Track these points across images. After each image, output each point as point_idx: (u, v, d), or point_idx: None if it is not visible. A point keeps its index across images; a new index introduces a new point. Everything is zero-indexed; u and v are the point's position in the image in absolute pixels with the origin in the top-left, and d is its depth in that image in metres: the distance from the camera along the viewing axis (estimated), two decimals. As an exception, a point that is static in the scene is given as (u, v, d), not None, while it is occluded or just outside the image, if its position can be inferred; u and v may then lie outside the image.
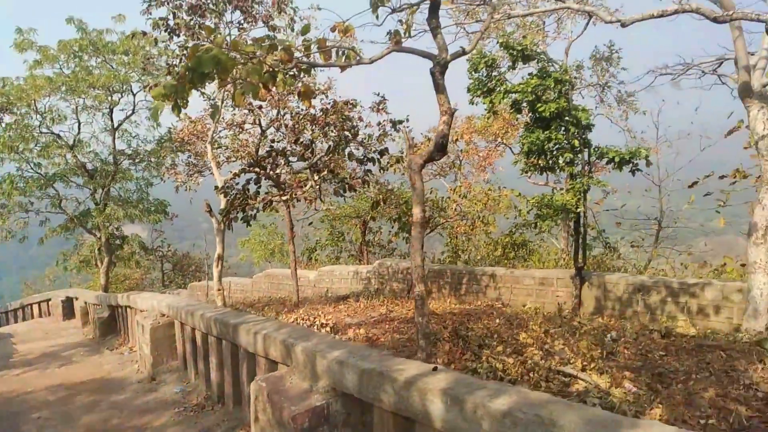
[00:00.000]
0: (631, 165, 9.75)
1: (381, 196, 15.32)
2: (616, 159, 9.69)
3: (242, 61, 3.70)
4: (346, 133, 7.95)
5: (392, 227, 17.02)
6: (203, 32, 6.58)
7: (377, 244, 21.56)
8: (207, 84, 5.29)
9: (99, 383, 7.79)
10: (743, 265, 8.78)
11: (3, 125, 19.93)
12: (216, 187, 8.11)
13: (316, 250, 22.59)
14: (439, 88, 4.99)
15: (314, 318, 9.35)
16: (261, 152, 10.16)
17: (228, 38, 7.74)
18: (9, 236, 21.05)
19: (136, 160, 23.23)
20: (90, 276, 28.38)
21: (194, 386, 6.73)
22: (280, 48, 3.87)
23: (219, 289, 8.24)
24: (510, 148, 17.76)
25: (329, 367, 3.59)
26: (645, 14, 7.26)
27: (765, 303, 7.67)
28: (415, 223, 5.41)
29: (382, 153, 7.96)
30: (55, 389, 7.76)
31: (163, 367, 7.53)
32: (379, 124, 8.36)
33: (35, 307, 21.65)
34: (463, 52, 5.06)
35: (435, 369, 2.97)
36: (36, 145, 21.17)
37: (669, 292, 9.29)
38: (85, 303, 14.98)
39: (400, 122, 7.64)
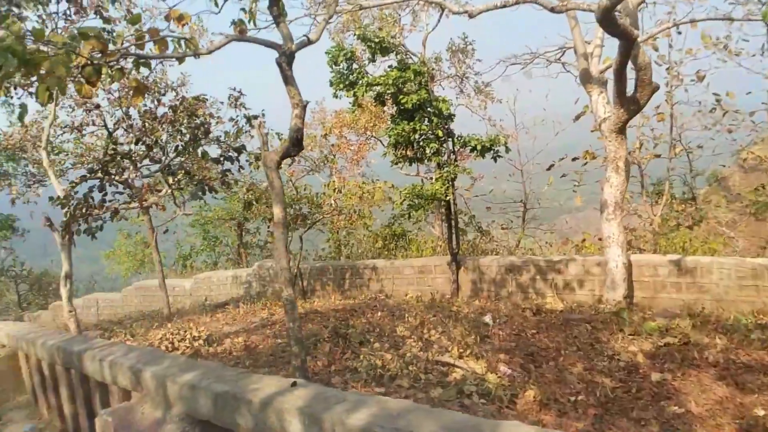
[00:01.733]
0: (492, 152, 10.13)
1: (253, 196, 14.72)
2: (478, 147, 10.02)
3: (51, 53, 3.19)
4: (197, 131, 7.38)
5: (269, 227, 16.49)
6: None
7: (256, 246, 20.81)
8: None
9: None
10: (600, 239, 9.43)
11: None
12: (51, 198, 7.19)
13: (191, 257, 21.38)
14: (288, 80, 4.71)
15: (186, 331, 8.72)
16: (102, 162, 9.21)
17: (58, 31, 6.89)
18: None
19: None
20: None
21: (47, 422, 5.97)
22: (91, 36, 3.39)
23: (70, 311, 7.37)
24: (380, 141, 17.85)
25: (181, 393, 3.21)
26: (489, 5, 7.47)
27: (621, 274, 8.24)
28: (276, 224, 5.11)
29: (239, 151, 7.48)
30: None
31: (10, 404, 6.61)
32: (232, 120, 7.87)
33: None
34: (309, 42, 4.83)
35: (294, 384, 2.72)
36: None
37: (537, 270, 9.75)
38: None
39: (255, 117, 7.22)
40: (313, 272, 14.09)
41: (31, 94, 8.09)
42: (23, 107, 3.62)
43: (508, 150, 10.27)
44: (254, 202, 14.15)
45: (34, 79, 3.77)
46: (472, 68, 16.62)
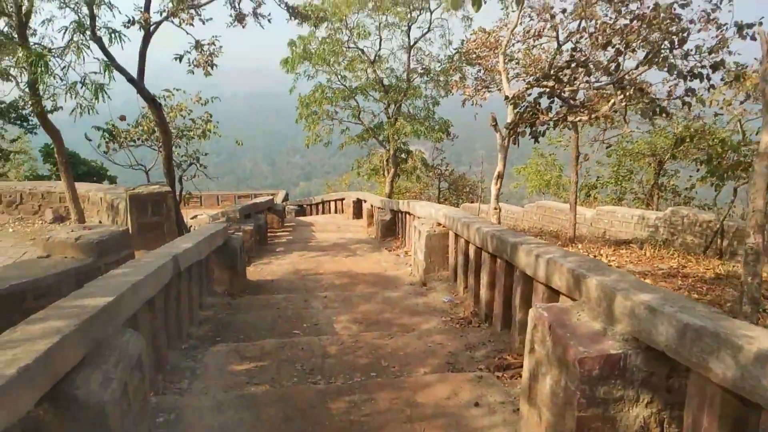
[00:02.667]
0: None
1: (688, 133, 13.05)
2: None
3: None
4: (672, 39, 6.48)
5: (697, 170, 14.55)
6: None
7: (670, 189, 18.92)
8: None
9: (376, 278, 8.32)
10: None
11: (318, 39, 22.37)
12: (506, 97, 7.57)
13: (596, 188, 20.92)
14: None
15: (595, 257, 8.48)
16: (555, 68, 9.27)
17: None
18: (317, 140, 24.08)
19: (426, 79, 24.11)
20: (377, 184, 31.29)
21: (462, 299, 6.63)
22: None
23: (495, 208, 7.91)
24: None
25: (633, 312, 2.89)
26: None
27: None
28: (762, 155, 4.14)
29: (714, 67, 6.30)
30: (340, 275, 8.54)
31: (434, 274, 7.62)
32: (719, 27, 6.62)
33: (332, 204, 24.78)
34: None
35: (809, 348, 2.06)
36: (343, 59, 23.36)
37: None
38: (371, 206, 16.38)
39: (749, 26, 5.86)
40: (737, 234, 12.02)
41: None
42: None
43: None
44: (688, 140, 12.56)
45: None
46: None
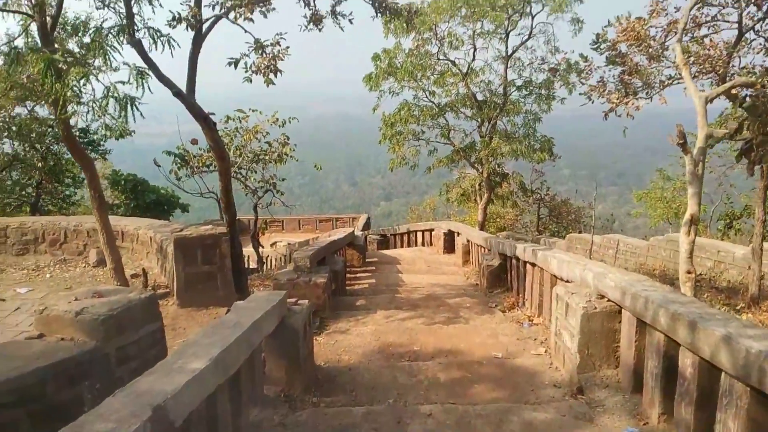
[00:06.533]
0: None
1: None
2: None
3: None
4: None
5: None
6: None
7: None
8: None
9: (501, 371, 5.69)
10: None
11: (405, 51, 20.28)
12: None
13: (740, 216, 17.21)
14: None
15: None
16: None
17: None
18: (403, 163, 21.82)
19: (525, 92, 21.40)
20: (466, 210, 28.57)
21: (657, 434, 3.95)
22: None
23: (689, 273, 5.22)
24: None
25: None
26: None
27: None
28: None
29: None
30: (446, 363, 5.98)
31: (595, 375, 4.95)
32: None
33: (419, 235, 22.29)
34: None
35: None
36: (432, 73, 21.09)
37: None
38: (468, 241, 13.81)
39: None
40: None
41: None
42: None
43: None
44: None
45: None
46: None
